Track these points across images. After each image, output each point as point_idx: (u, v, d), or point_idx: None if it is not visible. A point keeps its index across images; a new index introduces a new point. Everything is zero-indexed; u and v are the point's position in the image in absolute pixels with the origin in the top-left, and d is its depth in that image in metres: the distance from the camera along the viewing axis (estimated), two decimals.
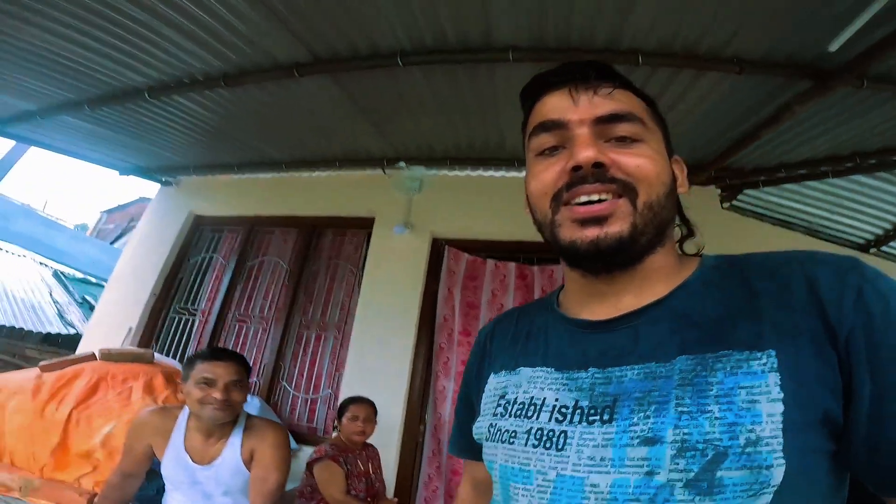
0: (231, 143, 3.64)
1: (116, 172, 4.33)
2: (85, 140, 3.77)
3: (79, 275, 9.58)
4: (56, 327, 7.31)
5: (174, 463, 1.84)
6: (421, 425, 3.30)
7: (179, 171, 4.30)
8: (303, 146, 3.60)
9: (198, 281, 4.10)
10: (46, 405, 2.58)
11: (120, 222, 15.79)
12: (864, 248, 3.54)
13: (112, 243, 14.28)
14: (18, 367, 6.62)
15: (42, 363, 2.82)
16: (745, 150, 2.80)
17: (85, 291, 8.99)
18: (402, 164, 3.45)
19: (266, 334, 3.75)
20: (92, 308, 8.19)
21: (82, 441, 2.49)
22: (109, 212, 16.91)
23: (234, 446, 1.85)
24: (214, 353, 1.89)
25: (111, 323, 3.97)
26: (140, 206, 15.27)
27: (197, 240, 4.26)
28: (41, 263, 9.01)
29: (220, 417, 1.80)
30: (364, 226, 3.75)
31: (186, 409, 1.92)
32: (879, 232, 3.38)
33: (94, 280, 9.64)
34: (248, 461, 1.85)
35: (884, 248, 3.51)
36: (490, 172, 3.59)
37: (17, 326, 6.72)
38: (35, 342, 7.36)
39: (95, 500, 2.05)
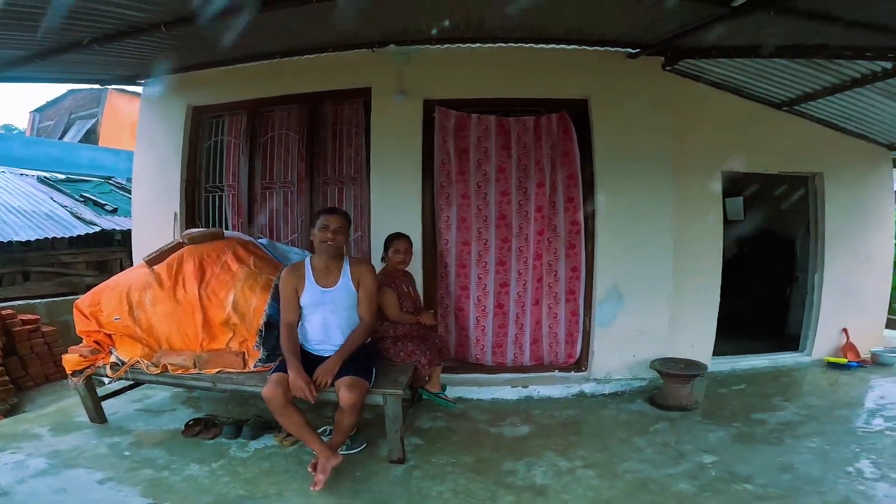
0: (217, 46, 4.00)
1: (97, 85, 5.05)
2: (63, 66, 4.35)
3: (60, 176, 10.24)
4: (79, 229, 8.17)
5: (311, 292, 3.12)
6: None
7: (168, 72, 4.82)
8: (294, 38, 4.23)
9: (216, 162, 5.03)
10: (175, 290, 3.48)
11: (59, 118, 16.25)
12: (778, 106, 4.89)
13: (61, 138, 15.12)
14: (60, 275, 7.95)
15: (144, 258, 3.70)
16: (685, 38, 3.85)
17: (75, 190, 9.66)
18: (393, 45, 4.27)
19: (294, 195, 4.81)
20: (95, 204, 9.19)
21: (218, 312, 3.44)
22: (40, 110, 17.30)
23: (346, 276, 3.17)
24: (328, 209, 3.28)
25: (154, 213, 4.98)
26: (74, 99, 16.06)
27: (199, 127, 5.07)
28: (20, 174, 9.72)
29: (332, 251, 3.13)
30: (360, 95, 4.60)
31: (307, 259, 3.24)
32: (792, 96, 4.70)
33: (76, 178, 10.34)
34: (357, 286, 3.17)
35: (795, 108, 4.90)
36: (468, 45, 4.35)
37: (43, 237, 7.61)
38: (64, 247, 8.18)
39: (283, 349, 3.05)
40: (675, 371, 4.11)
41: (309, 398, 2.84)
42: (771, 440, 3.52)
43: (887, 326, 5.64)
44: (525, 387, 4.37)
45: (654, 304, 4.50)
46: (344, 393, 2.85)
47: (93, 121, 15.45)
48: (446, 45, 4.32)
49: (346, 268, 3.18)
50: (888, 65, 3.72)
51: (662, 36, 3.97)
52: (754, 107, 4.90)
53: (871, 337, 5.32)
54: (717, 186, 4.79)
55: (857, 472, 3.01)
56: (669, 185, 4.47)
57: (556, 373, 4.61)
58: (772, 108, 4.91)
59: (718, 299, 4.82)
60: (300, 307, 3.16)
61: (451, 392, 4.23)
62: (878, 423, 3.78)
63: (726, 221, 6.40)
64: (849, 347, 5.16)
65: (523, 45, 4.27)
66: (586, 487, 2.93)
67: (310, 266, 3.17)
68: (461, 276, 4.56)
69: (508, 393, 4.34)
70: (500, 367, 4.63)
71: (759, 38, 3.68)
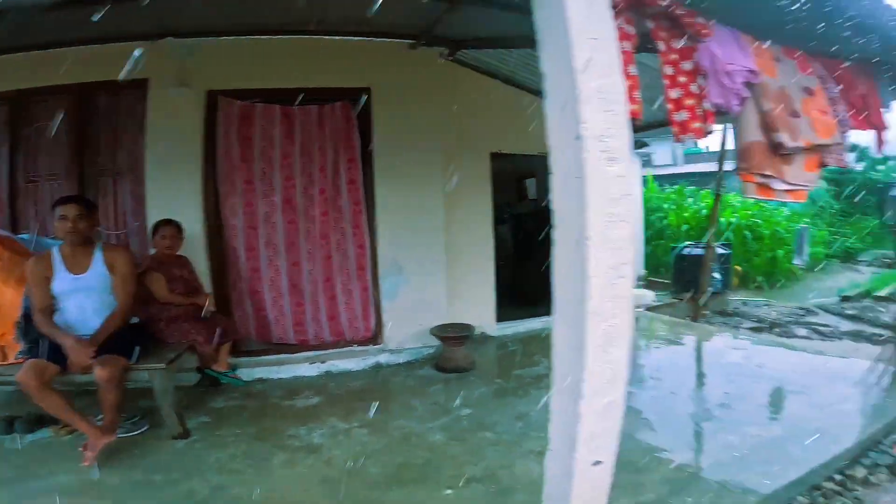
0: None
1: None
2: None
3: None
4: None
5: (62, 280, 3.19)
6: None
7: None
8: (59, 31, 4.06)
9: None
10: None
11: None
12: (538, 93, 5.51)
13: None
14: None
15: None
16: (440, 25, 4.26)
17: None
18: (170, 38, 4.28)
19: (62, 189, 4.58)
20: None
21: None
22: None
23: (98, 262, 3.27)
24: (62, 199, 3.27)
25: None
26: None
27: None
28: None
29: (77, 239, 3.20)
30: (139, 86, 4.52)
31: (55, 247, 3.28)
32: None
33: None
34: (111, 270, 3.28)
35: None
36: (252, 37, 4.53)
37: None
38: None
39: (45, 333, 3.07)
40: (449, 335, 4.72)
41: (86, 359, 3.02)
42: (520, 393, 4.11)
43: (641, 286, 6.76)
44: (323, 362, 4.70)
45: (432, 276, 5.05)
46: (98, 370, 3.00)
47: None
48: (233, 37, 4.47)
49: (99, 254, 3.30)
50: None
51: (424, 27, 4.43)
52: (519, 93, 5.62)
53: None
54: (486, 166, 5.52)
55: None
56: (440, 167, 5.01)
57: (355, 347, 5.00)
58: (533, 95, 5.52)
59: (493, 268, 5.55)
60: (52, 294, 3.22)
61: (254, 373, 4.47)
62: None
63: (528, 199, 7.33)
64: None
65: (310, 36, 4.52)
66: (356, 444, 3.32)
67: (59, 254, 3.24)
68: (251, 259, 4.76)
69: (308, 370, 4.64)
70: (304, 346, 4.90)
71: (507, 30, 4.12)
